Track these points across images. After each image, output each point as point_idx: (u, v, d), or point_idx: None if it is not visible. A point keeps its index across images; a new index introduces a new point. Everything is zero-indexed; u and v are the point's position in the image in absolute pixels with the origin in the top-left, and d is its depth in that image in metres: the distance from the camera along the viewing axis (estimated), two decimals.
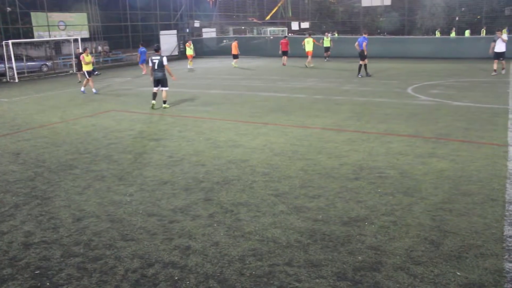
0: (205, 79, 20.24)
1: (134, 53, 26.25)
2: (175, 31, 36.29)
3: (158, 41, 33.71)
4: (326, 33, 29.24)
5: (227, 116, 11.31)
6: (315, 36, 26.74)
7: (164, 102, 12.93)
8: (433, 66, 22.31)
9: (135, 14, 34.39)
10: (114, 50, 34.92)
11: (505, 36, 17.78)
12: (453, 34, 31.50)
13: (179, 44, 36.13)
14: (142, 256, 4.37)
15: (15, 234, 4.99)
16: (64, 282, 3.97)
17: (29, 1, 27.96)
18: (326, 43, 26.63)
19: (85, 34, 30.79)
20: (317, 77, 19.54)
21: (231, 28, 43.88)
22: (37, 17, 27.93)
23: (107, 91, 17.42)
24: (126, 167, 7.31)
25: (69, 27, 30.04)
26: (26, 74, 24.94)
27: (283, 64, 25.12)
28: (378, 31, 41.31)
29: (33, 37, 28.15)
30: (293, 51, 26.12)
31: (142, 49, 23.98)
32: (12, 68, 23.28)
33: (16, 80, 23.20)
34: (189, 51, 25.74)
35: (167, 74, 12.71)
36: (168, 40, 35.14)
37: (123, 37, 33.80)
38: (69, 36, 28.80)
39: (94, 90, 16.81)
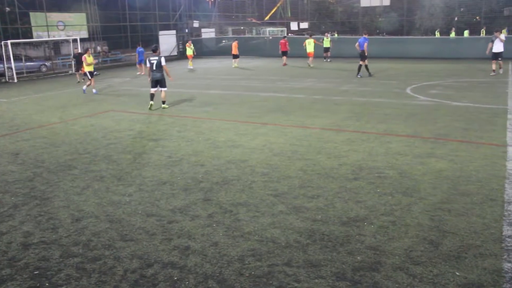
0: (204, 79, 20.24)
1: (133, 53, 26.28)
2: (174, 31, 36.30)
3: (157, 41, 33.71)
4: (326, 34, 29.26)
5: (226, 116, 11.31)
6: (314, 36, 26.73)
7: (163, 102, 12.93)
8: (432, 66, 22.34)
9: (134, 14, 34.38)
10: (113, 50, 34.89)
11: (503, 36, 17.83)
12: (452, 35, 31.54)
13: (178, 44, 36.14)
14: (141, 256, 4.36)
15: (14, 235, 4.98)
16: (63, 283, 3.97)
17: (28, 1, 27.93)
18: (326, 43, 26.65)
19: (84, 34, 30.77)
20: (316, 77, 19.55)
21: (230, 28, 43.91)
22: (36, 17, 27.90)
23: (106, 91, 17.41)
24: (125, 167, 7.31)
25: (68, 27, 30.02)
26: (25, 74, 24.93)
27: (284, 64, 25.13)
28: (377, 31, 41.35)
29: (32, 37, 28.12)
30: (292, 51, 26.12)
31: (140, 49, 24.03)
32: (11, 68, 23.27)
33: (15, 80, 23.18)
34: (189, 51, 25.75)
35: (165, 74, 12.70)
36: (167, 40, 35.14)
37: (122, 37, 33.79)
38: (68, 36, 28.78)
39: (94, 91, 16.80)
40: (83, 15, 31.16)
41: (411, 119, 10.18)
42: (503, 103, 11.71)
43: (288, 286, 3.78)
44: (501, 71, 18.02)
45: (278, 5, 48.54)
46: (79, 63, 21.19)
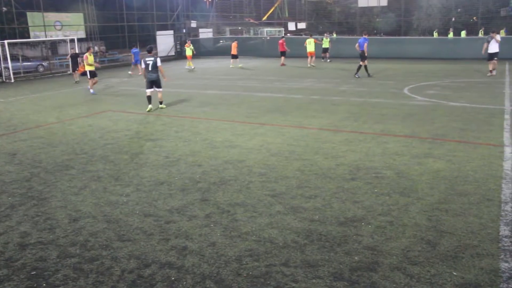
0: (202, 80, 20.23)
1: (130, 53, 26.28)
2: (171, 32, 36.27)
3: (154, 41, 33.71)
4: (325, 34, 29.29)
5: (224, 117, 11.31)
6: (313, 36, 26.75)
7: (161, 102, 12.92)
8: (429, 66, 22.39)
9: (132, 14, 34.33)
10: (110, 50, 34.85)
11: (498, 37, 17.92)
12: (450, 35, 31.62)
13: (176, 45, 36.11)
14: (139, 256, 4.36)
15: (11, 235, 4.97)
16: (60, 283, 3.96)
17: (25, 1, 27.88)
18: (325, 44, 26.67)
19: (82, 34, 30.72)
20: (314, 77, 19.56)
21: (227, 29, 43.89)
22: (33, 17, 27.84)
23: (103, 92, 17.37)
24: (123, 168, 7.30)
25: (66, 27, 29.96)
26: (22, 74, 24.87)
27: (282, 65, 25.13)
28: (375, 31, 41.43)
29: (29, 37, 28.05)
30: (291, 51, 26.11)
31: (134, 49, 24.01)
32: (8, 68, 23.20)
33: (12, 80, 23.11)
34: (189, 51, 25.71)
35: (160, 75, 12.69)
36: (164, 40, 35.11)
37: (119, 37, 33.75)
38: (65, 36, 28.73)
39: (91, 91, 16.76)
40: (81, 15, 31.11)
41: (408, 119, 10.20)
42: (500, 104, 11.75)
43: (285, 286, 3.78)
44: (494, 72, 18.09)
45: (276, 5, 48.61)
46: (75, 63, 21.19)
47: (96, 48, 33.07)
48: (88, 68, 16.67)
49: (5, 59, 23.18)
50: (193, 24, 40.05)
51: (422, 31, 40.65)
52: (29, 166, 7.65)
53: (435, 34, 35.06)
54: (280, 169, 6.86)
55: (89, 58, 16.56)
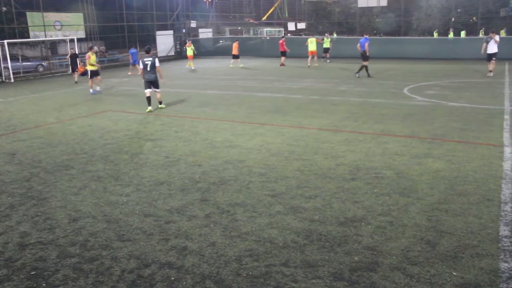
0: (202, 80, 20.22)
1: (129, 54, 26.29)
2: (171, 32, 36.27)
3: (154, 41, 33.70)
4: (326, 34, 29.29)
5: (223, 117, 11.31)
6: (314, 36, 26.78)
7: (160, 102, 12.92)
8: (429, 66, 22.39)
9: (132, 14, 34.32)
10: (110, 50, 34.84)
11: (497, 37, 17.94)
12: (451, 35, 31.65)
13: (175, 45, 36.10)
14: (139, 256, 4.36)
15: (10, 235, 4.97)
16: (60, 283, 3.96)
17: (25, 1, 27.87)
18: (326, 44, 26.66)
19: (81, 34, 30.71)
20: (314, 77, 19.56)
21: (227, 29, 43.89)
22: (32, 17, 27.82)
23: (103, 92, 17.36)
24: (123, 168, 7.30)
25: (65, 27, 29.95)
26: (21, 74, 24.87)
27: (281, 65, 25.13)
28: (375, 31, 41.45)
29: (28, 37, 28.03)
30: (291, 51, 26.11)
31: (133, 50, 24.01)
32: (8, 68, 23.20)
33: (12, 80, 23.11)
34: (190, 51, 25.68)
35: (158, 75, 12.65)
36: (164, 40, 35.11)
37: (119, 37, 33.73)
38: (65, 36, 28.72)
39: (91, 91, 16.76)
40: (80, 15, 31.10)
41: (408, 119, 10.20)
42: (500, 104, 11.75)
43: (285, 286, 3.78)
44: (491, 73, 18.10)
45: (276, 5, 48.62)
46: (74, 64, 21.18)
47: (96, 48, 33.08)
48: (90, 68, 16.59)
49: (4, 59, 23.18)
50: (193, 24, 40.06)
51: (422, 31, 40.68)
52: (28, 166, 7.64)
53: (435, 34, 35.08)
54: (280, 169, 6.86)
55: (92, 57, 16.47)
